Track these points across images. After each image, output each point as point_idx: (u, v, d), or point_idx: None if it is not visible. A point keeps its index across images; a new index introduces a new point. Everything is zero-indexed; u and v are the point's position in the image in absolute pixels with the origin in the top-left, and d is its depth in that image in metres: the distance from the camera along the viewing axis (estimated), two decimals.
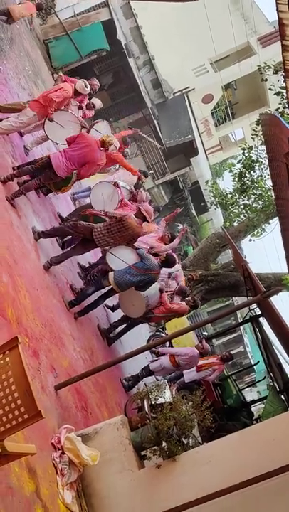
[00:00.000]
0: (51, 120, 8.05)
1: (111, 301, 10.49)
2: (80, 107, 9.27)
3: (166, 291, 10.24)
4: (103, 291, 9.23)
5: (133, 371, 10.82)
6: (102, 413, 7.43)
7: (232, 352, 14.08)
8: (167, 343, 12.04)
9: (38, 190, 8.58)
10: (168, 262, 9.30)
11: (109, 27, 18.22)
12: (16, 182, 7.59)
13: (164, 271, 10.08)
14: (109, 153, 8.43)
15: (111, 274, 8.62)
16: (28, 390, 3.06)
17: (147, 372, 10.03)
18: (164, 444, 5.53)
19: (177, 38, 26.44)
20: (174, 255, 9.74)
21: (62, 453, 5.07)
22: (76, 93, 8.73)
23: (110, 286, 8.83)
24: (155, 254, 9.34)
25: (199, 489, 5.08)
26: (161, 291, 9.78)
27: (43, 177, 7.64)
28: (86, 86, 8.84)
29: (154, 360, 10.33)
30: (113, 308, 10.90)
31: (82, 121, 8.58)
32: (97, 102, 10.20)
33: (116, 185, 9.01)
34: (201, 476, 5.31)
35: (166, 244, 10.17)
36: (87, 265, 10.13)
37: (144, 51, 23.78)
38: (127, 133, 11.24)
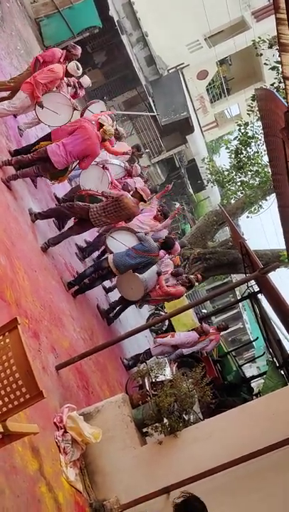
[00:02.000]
0: (41, 106, 7.88)
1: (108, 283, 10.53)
2: (68, 85, 8.92)
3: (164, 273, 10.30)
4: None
5: (133, 349, 10.90)
6: (104, 392, 7.49)
7: (231, 329, 14.17)
8: (166, 322, 12.12)
9: (34, 179, 8.45)
10: (167, 244, 9.30)
11: (101, 3, 17.98)
12: (13, 166, 7.53)
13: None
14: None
15: (110, 257, 8.63)
16: (29, 370, 3.09)
17: (149, 356, 10.11)
18: (165, 420, 5.59)
19: (170, 14, 26.04)
20: (173, 239, 9.76)
21: (65, 432, 5.12)
22: (67, 74, 8.53)
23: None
24: None
25: (201, 464, 5.14)
26: (158, 273, 9.80)
27: (41, 167, 7.56)
28: (78, 68, 8.60)
29: (157, 346, 10.40)
30: (108, 290, 10.91)
31: (74, 102, 8.41)
32: (86, 81, 9.72)
33: (104, 167, 8.96)
34: (203, 452, 5.38)
35: (160, 222, 10.17)
36: (84, 245, 10.13)
37: (137, 28, 23.48)
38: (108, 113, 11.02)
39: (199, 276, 12.75)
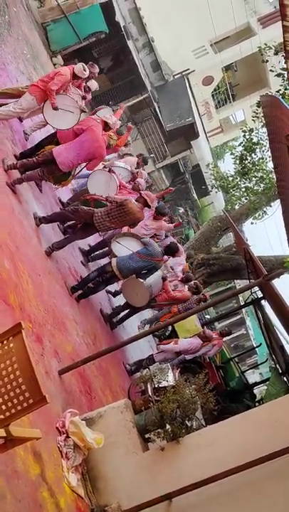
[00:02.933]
0: (57, 109, 7.89)
1: (113, 286, 10.51)
2: (83, 97, 9.07)
3: (171, 280, 10.29)
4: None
5: (136, 354, 10.89)
6: (106, 397, 7.48)
7: (234, 335, 14.16)
8: (169, 328, 12.11)
9: (39, 183, 8.47)
10: (171, 249, 9.31)
11: (107, 9, 18.01)
12: (18, 170, 7.55)
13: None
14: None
15: (114, 260, 8.62)
16: (33, 375, 3.08)
17: (152, 362, 10.10)
18: (167, 426, 5.58)
19: (177, 19, 26.11)
20: (177, 244, 9.76)
21: (67, 437, 5.12)
22: (74, 76, 8.56)
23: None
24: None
25: (203, 471, 5.12)
26: (163, 279, 9.79)
27: (46, 170, 7.57)
28: (85, 69, 8.65)
29: (159, 353, 10.40)
30: (115, 294, 10.92)
31: (82, 105, 8.45)
32: (93, 85, 9.80)
33: (111, 171, 8.97)
34: (205, 458, 5.36)
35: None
36: (88, 248, 10.14)
37: (143, 33, 23.52)
38: (119, 113, 11.07)
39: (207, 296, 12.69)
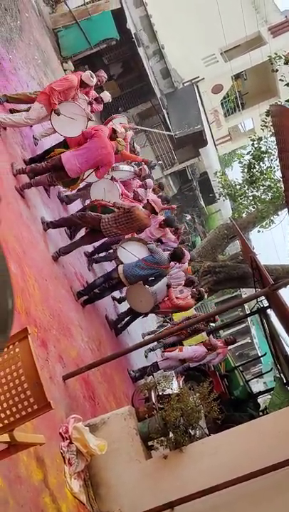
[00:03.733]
0: (58, 113, 7.93)
1: (118, 292, 10.52)
2: (89, 103, 9.09)
3: (175, 286, 10.29)
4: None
5: (140, 361, 10.87)
6: (110, 403, 7.46)
7: (239, 343, 14.13)
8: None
9: (47, 188, 8.49)
10: (176, 255, 9.31)
11: (119, 16, 18.10)
12: (27, 175, 7.57)
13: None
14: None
15: (120, 267, 8.63)
16: (38, 380, 3.08)
17: (156, 369, 10.08)
18: (171, 434, 5.56)
19: (187, 27, 26.20)
20: (183, 249, 9.75)
21: (70, 442, 5.11)
22: (82, 84, 8.58)
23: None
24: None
25: (206, 480, 5.10)
26: (168, 286, 9.79)
27: (55, 175, 7.59)
28: (92, 77, 8.67)
29: (164, 360, 10.38)
30: (120, 301, 10.93)
31: (89, 113, 8.47)
32: (106, 97, 9.86)
33: (113, 179, 8.99)
34: (208, 467, 5.34)
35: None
36: (92, 249, 10.17)
37: (153, 40, 23.63)
38: (131, 127, 11.19)
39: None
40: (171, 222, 10.03)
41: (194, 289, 10.73)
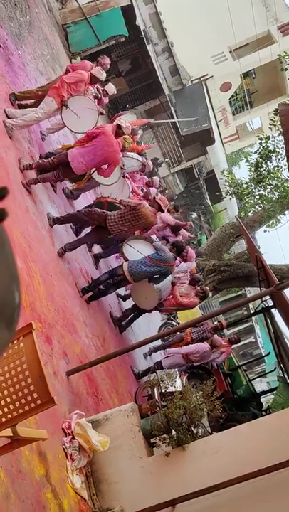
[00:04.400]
0: (66, 106, 7.91)
1: (123, 290, 10.53)
2: (95, 96, 9.06)
3: (182, 283, 10.28)
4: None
5: (144, 359, 10.88)
6: (113, 400, 7.48)
7: (243, 342, 14.12)
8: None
9: (54, 184, 8.50)
10: (178, 248, 9.32)
11: (128, 12, 18.07)
12: (34, 170, 7.58)
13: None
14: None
15: (125, 264, 8.63)
16: (42, 376, 3.09)
17: (160, 367, 10.07)
18: (173, 432, 5.57)
19: (197, 25, 26.16)
20: (181, 242, 9.75)
21: (73, 438, 5.12)
22: (93, 79, 8.56)
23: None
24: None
25: (207, 478, 5.11)
26: (172, 283, 9.78)
27: (62, 172, 7.60)
28: (102, 72, 8.67)
29: (167, 357, 10.37)
30: (124, 298, 10.93)
31: (100, 108, 8.46)
32: (111, 89, 9.76)
33: (125, 176, 8.98)
34: (210, 466, 5.34)
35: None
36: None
37: (162, 37, 23.57)
38: (142, 122, 11.17)
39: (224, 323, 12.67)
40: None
41: (199, 288, 10.71)
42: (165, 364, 10.02)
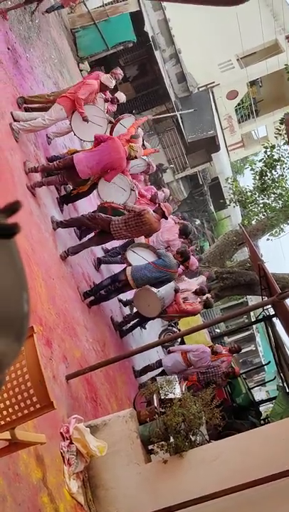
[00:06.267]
0: (87, 121, 7.99)
1: (125, 295, 10.52)
2: (106, 100, 9.12)
3: (184, 291, 10.26)
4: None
5: (143, 364, 10.86)
6: (112, 405, 7.46)
7: (243, 350, 14.07)
8: (178, 340, 12.08)
9: (59, 187, 8.52)
10: (183, 256, 9.32)
11: (137, 18, 18.13)
12: (39, 173, 7.60)
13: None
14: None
15: (128, 269, 8.63)
16: (42, 380, 3.09)
17: (160, 364, 10.10)
18: (171, 439, 5.55)
19: (205, 33, 26.20)
20: (187, 251, 9.74)
21: (71, 443, 5.11)
22: (102, 87, 8.61)
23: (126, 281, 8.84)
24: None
25: (205, 487, 5.09)
26: (176, 290, 9.77)
27: (66, 175, 7.61)
28: (111, 79, 8.73)
29: (168, 355, 10.38)
30: (125, 304, 10.92)
31: (109, 116, 8.52)
32: (122, 97, 9.91)
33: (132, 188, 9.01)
34: (207, 474, 5.33)
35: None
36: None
37: (170, 44, 23.63)
38: (142, 121, 11.15)
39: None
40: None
41: (205, 297, 10.72)
42: (165, 361, 10.04)
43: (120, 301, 10.82)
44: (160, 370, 10.10)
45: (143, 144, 10.57)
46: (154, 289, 8.78)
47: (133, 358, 10.26)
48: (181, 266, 9.69)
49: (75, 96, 7.89)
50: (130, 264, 8.67)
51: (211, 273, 15.72)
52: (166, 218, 8.75)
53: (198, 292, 10.61)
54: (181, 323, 12.35)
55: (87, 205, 9.99)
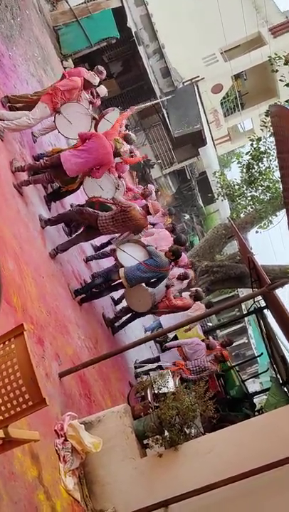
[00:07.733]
0: (59, 112, 7.93)
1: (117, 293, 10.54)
2: (90, 102, 9.07)
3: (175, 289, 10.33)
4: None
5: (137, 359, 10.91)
6: (105, 401, 7.47)
7: (236, 343, 14.14)
8: (171, 335, 12.14)
9: (46, 185, 8.50)
10: (174, 252, 9.32)
11: (119, 14, 18.06)
12: (26, 172, 7.57)
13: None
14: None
15: (122, 270, 8.63)
16: (33, 377, 3.08)
17: (158, 360, 10.20)
18: (166, 433, 5.57)
19: (188, 27, 26.16)
20: (179, 249, 9.76)
21: (65, 440, 5.11)
22: (86, 83, 8.56)
23: (119, 281, 8.83)
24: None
25: (200, 479, 5.11)
26: (167, 286, 9.79)
27: (53, 174, 7.58)
28: (95, 76, 8.69)
29: (164, 351, 10.47)
30: (116, 302, 10.93)
31: (93, 113, 8.48)
32: (102, 91, 9.72)
33: (120, 176, 8.99)
34: (202, 466, 5.35)
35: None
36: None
37: (154, 39, 23.57)
38: (127, 114, 11.12)
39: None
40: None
41: (192, 289, 10.76)
42: (162, 359, 10.13)
43: (112, 298, 10.83)
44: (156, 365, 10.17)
45: (133, 153, 10.59)
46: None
47: (126, 355, 10.30)
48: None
49: (54, 87, 7.88)
50: (122, 266, 8.66)
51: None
52: (152, 215, 8.79)
53: (182, 278, 10.64)
54: None
55: (74, 201, 9.97)
